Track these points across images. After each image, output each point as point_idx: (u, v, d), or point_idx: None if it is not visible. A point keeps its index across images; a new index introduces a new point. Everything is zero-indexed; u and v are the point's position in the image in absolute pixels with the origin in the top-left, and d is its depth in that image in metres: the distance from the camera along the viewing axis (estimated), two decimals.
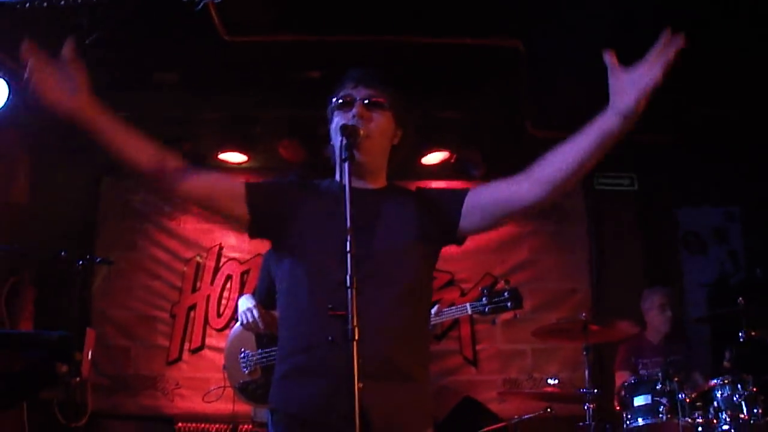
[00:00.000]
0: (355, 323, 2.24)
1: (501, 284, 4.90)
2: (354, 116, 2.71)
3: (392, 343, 2.57)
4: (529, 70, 6.39)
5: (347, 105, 2.76)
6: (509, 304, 4.68)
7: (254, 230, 2.79)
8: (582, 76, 5.98)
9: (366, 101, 2.75)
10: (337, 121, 2.74)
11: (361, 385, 2.19)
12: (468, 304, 4.77)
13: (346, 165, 2.48)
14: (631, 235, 7.64)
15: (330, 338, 2.36)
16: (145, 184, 7.48)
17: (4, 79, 5.66)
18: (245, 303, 4.48)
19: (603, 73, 5.85)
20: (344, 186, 2.42)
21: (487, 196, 2.78)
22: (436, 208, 2.79)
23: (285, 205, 2.77)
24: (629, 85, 2.48)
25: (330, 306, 2.33)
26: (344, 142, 2.55)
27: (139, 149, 2.74)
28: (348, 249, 2.31)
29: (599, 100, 6.41)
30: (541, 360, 7.24)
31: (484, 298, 4.73)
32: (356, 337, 2.23)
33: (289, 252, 2.73)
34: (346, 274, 2.28)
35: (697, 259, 7.76)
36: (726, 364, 5.40)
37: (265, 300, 4.63)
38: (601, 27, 5.42)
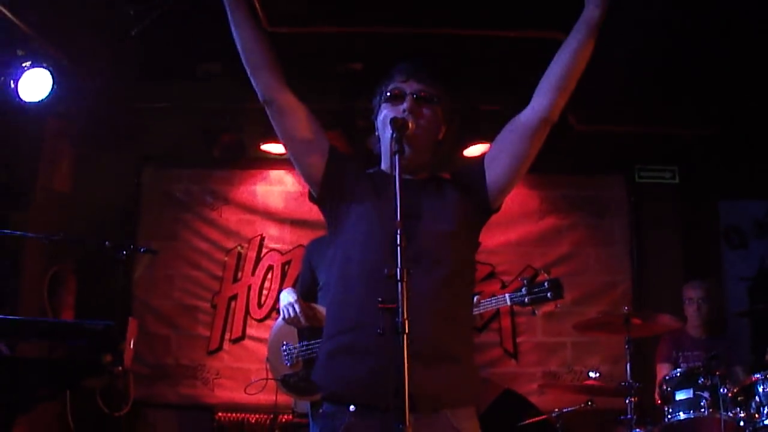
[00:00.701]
0: (405, 316, 2.24)
1: (542, 276, 4.86)
2: (405, 110, 2.71)
3: (438, 325, 2.58)
4: None
5: (397, 98, 2.77)
6: (549, 294, 4.64)
7: (319, 193, 2.83)
8: (624, 68, 5.98)
9: (416, 96, 2.76)
10: (386, 113, 2.74)
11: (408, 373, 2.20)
12: (507, 295, 4.76)
13: (396, 158, 2.48)
14: (671, 228, 7.57)
15: (379, 330, 2.33)
16: (186, 175, 7.60)
17: (48, 69, 5.71)
18: (287, 297, 4.50)
19: (647, 67, 5.81)
20: (393, 178, 2.42)
21: (500, 143, 2.86)
22: (465, 184, 2.83)
23: (349, 183, 2.79)
24: None
25: (380, 299, 2.31)
26: (394, 134, 2.55)
27: (260, 32, 2.91)
28: (398, 242, 2.31)
29: (640, 92, 6.36)
30: (581, 353, 7.20)
31: (524, 289, 4.71)
32: (407, 331, 2.23)
33: (340, 231, 2.76)
34: (396, 266, 2.28)
35: (737, 253, 7.68)
36: (767, 358, 5.32)
37: (305, 293, 4.66)
38: (645, 17, 5.38)
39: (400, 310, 2.26)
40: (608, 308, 7.10)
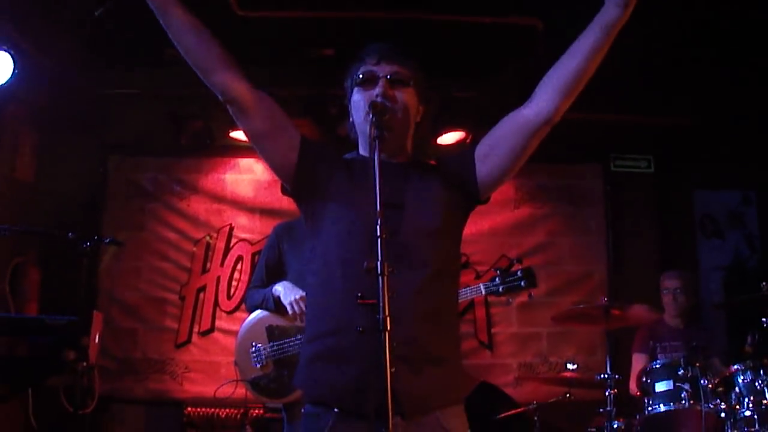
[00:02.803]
0: (386, 313, 2.14)
1: (516, 266, 4.84)
2: (378, 95, 2.59)
3: (423, 325, 2.48)
4: (547, 49, 6.26)
5: (370, 82, 2.66)
6: (523, 282, 4.66)
7: (293, 189, 2.71)
8: (602, 59, 5.91)
9: (390, 78, 2.65)
10: (359, 98, 2.65)
11: (393, 369, 2.11)
12: (482, 285, 4.75)
13: (377, 143, 2.38)
14: (647, 218, 7.60)
15: (359, 328, 2.25)
16: (153, 163, 7.43)
17: (9, 53, 5.53)
18: (291, 293, 4.31)
19: (620, 53, 5.74)
20: (372, 165, 2.31)
21: (497, 138, 2.70)
22: (453, 174, 2.71)
23: (325, 175, 2.66)
24: None
25: (359, 294, 2.20)
26: (374, 119, 2.44)
27: (201, 34, 2.72)
28: (378, 233, 2.20)
29: (615, 81, 6.30)
30: (557, 343, 7.16)
31: (497, 278, 4.72)
32: (387, 328, 2.13)
33: (318, 227, 2.63)
34: (376, 260, 2.17)
35: (713, 243, 7.69)
36: (748, 348, 5.29)
37: (269, 277, 4.53)
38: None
39: (381, 306, 2.15)
40: (584, 298, 7.08)
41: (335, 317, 2.50)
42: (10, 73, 5.54)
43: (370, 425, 2.19)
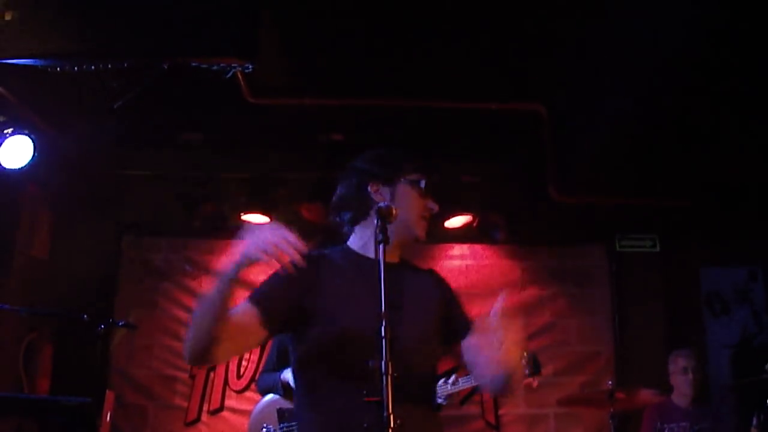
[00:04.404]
0: (390, 410, 2.20)
1: None
2: (433, 210, 2.84)
3: (424, 424, 2.61)
4: (551, 135, 6.42)
5: (428, 194, 2.85)
6: (527, 371, 4.66)
7: (275, 334, 2.77)
8: (603, 140, 6.06)
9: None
10: (415, 204, 2.80)
11: None
12: None
13: (381, 247, 2.43)
14: (653, 297, 7.55)
15: (365, 425, 2.30)
16: (166, 243, 7.57)
17: (30, 136, 5.70)
18: None
19: (625, 140, 5.90)
20: (378, 268, 2.39)
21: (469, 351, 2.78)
22: (450, 312, 2.88)
23: (302, 296, 2.66)
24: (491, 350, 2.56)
25: (364, 392, 2.27)
26: (379, 223, 2.48)
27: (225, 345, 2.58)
28: (383, 334, 2.28)
29: (619, 163, 6.43)
30: (565, 424, 7.11)
31: None
32: (392, 425, 2.20)
33: (315, 332, 2.65)
34: (381, 359, 2.25)
35: (720, 320, 7.67)
36: (753, 430, 5.29)
37: (277, 364, 4.62)
38: (625, 93, 5.46)
39: (385, 404, 2.21)
40: (591, 378, 7.08)
41: (339, 419, 2.54)
42: (30, 155, 5.71)
43: None
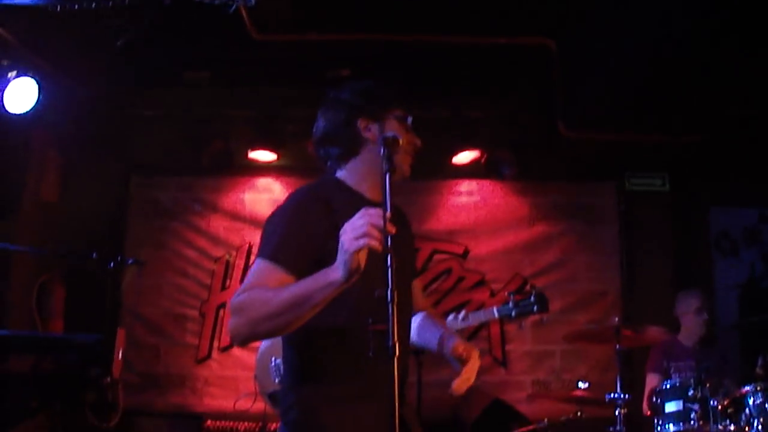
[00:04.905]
0: (395, 339, 2.22)
1: (528, 288, 4.88)
2: (416, 146, 2.87)
3: (407, 361, 2.76)
4: (560, 69, 6.36)
5: (413, 130, 2.88)
6: (535, 307, 4.68)
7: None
8: (613, 76, 5.99)
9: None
10: (392, 134, 2.61)
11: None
12: (495, 308, 4.75)
13: (387, 177, 2.39)
14: (662, 236, 7.55)
15: (370, 353, 2.28)
16: (174, 183, 7.60)
17: (34, 79, 5.68)
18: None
19: (634, 72, 5.82)
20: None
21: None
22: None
23: (323, 245, 2.57)
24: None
25: (370, 320, 2.29)
26: (386, 152, 2.45)
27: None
28: (389, 263, 2.26)
29: (630, 99, 6.37)
30: (571, 361, 7.17)
31: (510, 303, 4.72)
32: (397, 353, 2.21)
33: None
34: (387, 287, 2.24)
35: (728, 261, 7.66)
36: (759, 371, 5.29)
37: None
38: (633, 26, 5.38)
39: (390, 332, 2.23)
40: (598, 317, 7.10)
41: (350, 352, 2.60)
42: (36, 98, 5.69)
43: None
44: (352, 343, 2.56)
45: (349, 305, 2.57)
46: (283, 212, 2.67)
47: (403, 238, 2.73)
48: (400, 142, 2.52)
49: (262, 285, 2.51)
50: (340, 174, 2.88)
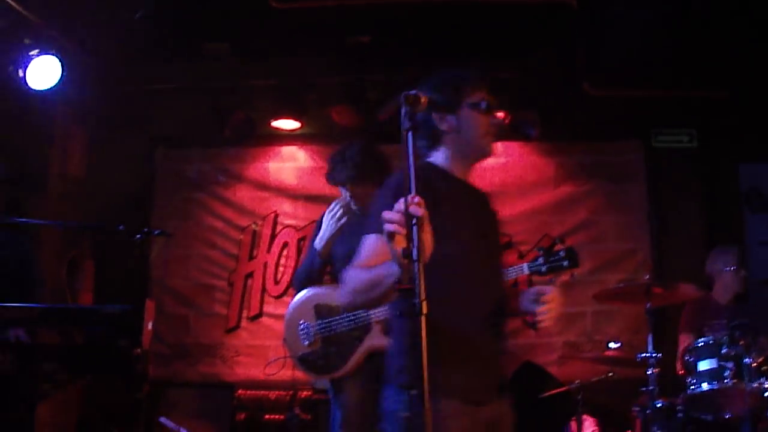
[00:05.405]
0: (423, 297, 2.30)
1: (558, 246, 4.83)
2: (497, 125, 3.12)
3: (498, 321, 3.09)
4: (584, 27, 6.25)
5: (491, 111, 3.08)
6: (566, 263, 4.59)
7: None
8: (637, 32, 5.88)
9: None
10: (478, 123, 3.04)
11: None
12: (525, 264, 4.66)
13: (410, 135, 2.48)
14: (691, 193, 7.43)
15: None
16: (198, 154, 7.62)
17: (56, 56, 5.69)
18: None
19: (658, 27, 5.71)
20: (407, 159, 2.46)
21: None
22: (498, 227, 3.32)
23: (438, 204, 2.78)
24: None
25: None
26: (407, 110, 2.52)
27: None
28: (414, 222, 2.34)
29: (654, 55, 6.25)
30: (601, 322, 7.13)
31: (540, 258, 4.64)
32: (425, 312, 2.29)
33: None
34: (412, 245, 2.33)
35: (759, 217, 7.55)
36: None
37: (304, 280, 4.67)
38: None
39: (417, 290, 2.29)
40: (627, 276, 7.04)
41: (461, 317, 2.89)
42: (59, 75, 5.71)
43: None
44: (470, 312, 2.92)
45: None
46: (385, 191, 2.92)
47: (492, 217, 3.21)
48: (422, 99, 2.57)
49: (368, 258, 2.80)
50: (431, 159, 3.13)
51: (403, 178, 2.68)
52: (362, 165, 4.56)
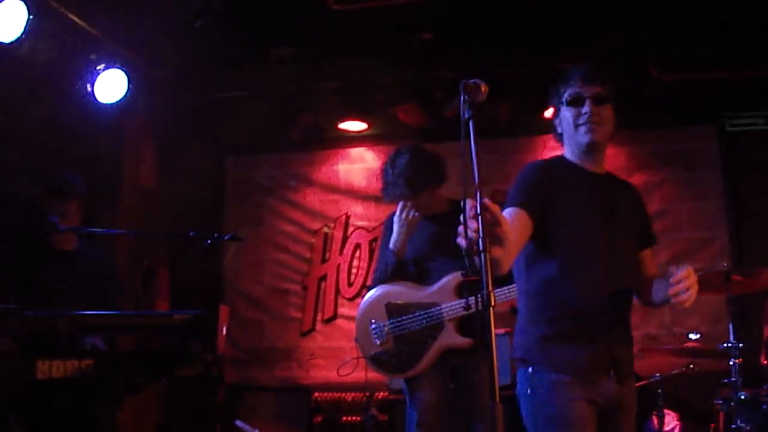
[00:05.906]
0: (490, 288, 2.33)
1: None
2: (586, 113, 3.15)
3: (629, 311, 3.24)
4: (649, 9, 6.11)
5: (578, 102, 3.18)
6: None
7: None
8: (704, 10, 5.70)
9: (595, 98, 3.17)
10: (568, 116, 3.20)
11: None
12: None
13: (470, 124, 2.53)
14: None
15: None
16: (268, 160, 7.70)
17: (122, 69, 5.81)
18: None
19: (729, 5, 5.53)
20: (469, 146, 2.49)
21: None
22: (641, 220, 3.45)
23: (543, 197, 3.14)
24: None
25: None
26: (466, 98, 2.56)
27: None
28: (478, 211, 2.35)
29: (723, 35, 6.07)
30: (681, 314, 6.93)
31: None
32: (493, 304, 2.31)
33: (559, 230, 3.14)
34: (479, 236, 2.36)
35: None
36: None
37: (384, 280, 4.65)
38: None
39: (484, 282, 2.31)
40: (705, 265, 6.83)
41: (576, 300, 3.08)
42: (126, 88, 5.83)
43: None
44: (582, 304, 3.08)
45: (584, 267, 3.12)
46: (518, 177, 3.21)
47: (628, 207, 3.34)
48: (483, 88, 2.59)
49: None
50: (563, 153, 3.36)
51: (532, 165, 3.27)
52: (414, 179, 4.56)
